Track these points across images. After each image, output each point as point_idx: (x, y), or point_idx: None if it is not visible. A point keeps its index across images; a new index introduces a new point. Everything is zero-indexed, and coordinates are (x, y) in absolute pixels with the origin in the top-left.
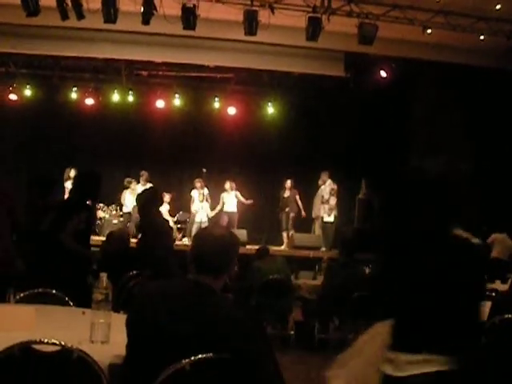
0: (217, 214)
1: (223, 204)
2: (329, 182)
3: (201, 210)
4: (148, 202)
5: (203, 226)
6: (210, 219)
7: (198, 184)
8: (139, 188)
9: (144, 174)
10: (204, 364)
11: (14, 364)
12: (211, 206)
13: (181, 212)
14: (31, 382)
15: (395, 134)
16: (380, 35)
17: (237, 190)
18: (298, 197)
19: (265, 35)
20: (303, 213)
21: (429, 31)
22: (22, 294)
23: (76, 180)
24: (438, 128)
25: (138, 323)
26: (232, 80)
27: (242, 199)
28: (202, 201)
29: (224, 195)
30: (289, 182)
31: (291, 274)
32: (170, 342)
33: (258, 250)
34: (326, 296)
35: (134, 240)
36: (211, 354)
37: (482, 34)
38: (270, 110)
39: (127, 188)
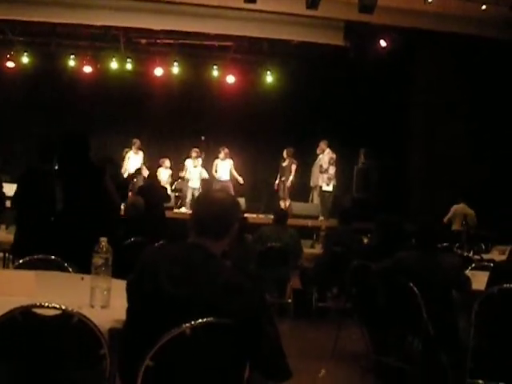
0: (208, 180)
1: (216, 171)
2: (327, 150)
3: (194, 178)
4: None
5: (196, 193)
6: (201, 183)
7: (193, 153)
8: (132, 156)
9: (136, 141)
10: (205, 329)
11: (15, 327)
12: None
13: (179, 180)
14: (32, 345)
15: (394, 103)
16: (380, 4)
17: (231, 158)
18: (294, 166)
19: (264, 3)
20: (289, 182)
21: (430, 0)
22: (21, 260)
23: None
24: (437, 98)
25: (138, 287)
26: (231, 48)
27: (234, 173)
28: (196, 167)
29: (217, 162)
30: (286, 152)
31: (301, 251)
32: (171, 306)
33: (276, 213)
34: (325, 265)
35: None
36: (212, 319)
37: (483, 4)
38: (269, 78)
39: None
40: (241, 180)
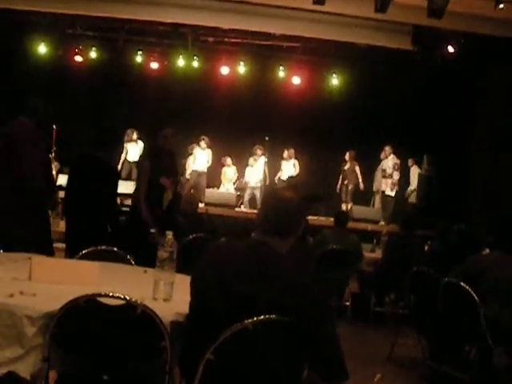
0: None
1: (281, 172)
2: (392, 156)
3: (253, 177)
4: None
5: (256, 192)
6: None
7: (258, 151)
8: (199, 153)
9: (204, 138)
10: (266, 325)
11: (79, 315)
12: (270, 174)
13: (241, 179)
14: (95, 334)
15: (461, 110)
16: (450, 9)
17: (296, 158)
18: (357, 168)
19: (333, 5)
20: (361, 185)
21: (501, 6)
22: (84, 251)
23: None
24: (506, 107)
25: (202, 282)
26: (298, 49)
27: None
28: (253, 166)
29: (283, 163)
30: (349, 154)
31: (361, 255)
32: (235, 302)
33: (336, 215)
34: (385, 270)
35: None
36: (274, 316)
37: None
38: (335, 81)
39: (191, 155)
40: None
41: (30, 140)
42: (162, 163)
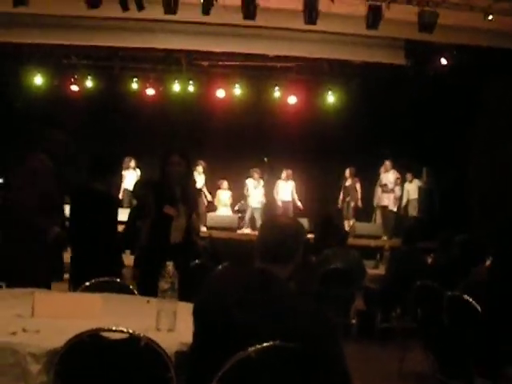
0: (270, 201)
1: (277, 192)
2: (392, 170)
3: (254, 198)
4: None
5: (256, 213)
6: (263, 206)
7: (255, 174)
8: (196, 177)
9: (201, 162)
10: (270, 352)
11: (83, 350)
12: (269, 195)
13: (242, 201)
14: (100, 369)
15: (457, 122)
16: (441, 22)
17: (293, 180)
18: (358, 185)
19: (325, 24)
20: (359, 202)
21: (490, 17)
22: (87, 283)
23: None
24: (501, 118)
25: (205, 311)
26: (293, 69)
27: (295, 197)
28: (256, 188)
29: (279, 183)
30: (349, 171)
31: (364, 271)
32: (238, 331)
33: (335, 234)
34: (389, 285)
35: None
36: (277, 342)
37: None
38: (331, 98)
39: None
40: (300, 205)
41: (30, 172)
42: (166, 192)
